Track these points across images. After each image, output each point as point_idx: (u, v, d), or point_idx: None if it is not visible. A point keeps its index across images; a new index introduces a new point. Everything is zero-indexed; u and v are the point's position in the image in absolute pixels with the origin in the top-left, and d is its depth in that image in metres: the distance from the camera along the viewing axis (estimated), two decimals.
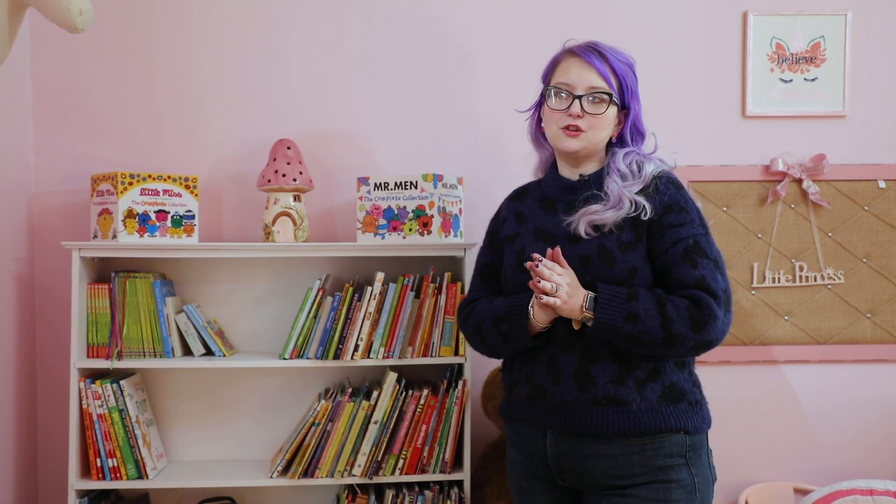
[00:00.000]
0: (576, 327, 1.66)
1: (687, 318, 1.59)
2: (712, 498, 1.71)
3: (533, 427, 1.73)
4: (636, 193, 1.70)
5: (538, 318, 1.68)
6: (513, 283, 1.78)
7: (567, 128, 1.72)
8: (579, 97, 1.71)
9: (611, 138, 1.79)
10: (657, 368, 1.66)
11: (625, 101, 1.75)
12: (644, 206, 1.68)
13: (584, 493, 1.73)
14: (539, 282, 1.62)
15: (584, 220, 1.69)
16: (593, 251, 1.67)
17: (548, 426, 1.70)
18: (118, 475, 2.29)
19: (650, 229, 1.67)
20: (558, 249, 1.67)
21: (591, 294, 1.62)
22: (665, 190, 1.71)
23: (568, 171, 1.81)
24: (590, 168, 1.79)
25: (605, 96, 1.71)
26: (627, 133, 1.79)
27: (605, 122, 1.73)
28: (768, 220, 2.64)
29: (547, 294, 1.62)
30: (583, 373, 1.66)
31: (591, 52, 1.73)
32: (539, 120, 1.85)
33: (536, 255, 1.66)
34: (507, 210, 1.90)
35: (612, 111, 1.74)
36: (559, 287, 1.62)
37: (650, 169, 1.73)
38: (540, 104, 1.83)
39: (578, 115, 1.71)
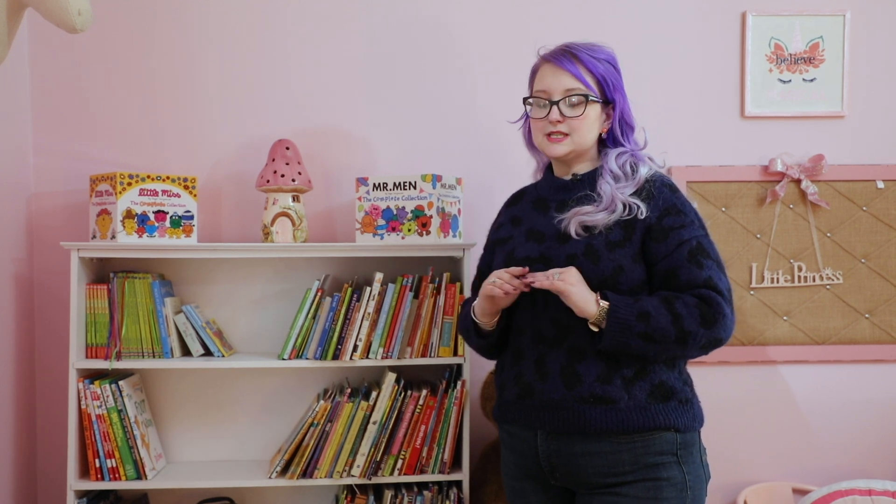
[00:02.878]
0: (593, 328, 1.64)
1: (697, 316, 1.60)
2: (705, 497, 1.70)
3: (524, 427, 1.73)
4: (630, 196, 1.70)
5: (479, 312, 1.77)
6: None
7: (550, 135, 1.74)
8: (556, 102, 1.72)
9: (601, 135, 1.79)
10: (645, 367, 1.65)
11: (607, 97, 1.75)
12: (639, 207, 1.68)
13: (576, 493, 1.73)
14: (533, 284, 1.65)
15: (575, 220, 1.70)
16: (580, 249, 1.68)
17: (538, 425, 1.70)
18: (117, 476, 2.29)
19: (649, 232, 1.67)
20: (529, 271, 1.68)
21: (598, 297, 1.63)
22: (659, 193, 1.71)
23: (562, 172, 1.83)
24: (583, 168, 1.80)
25: (581, 97, 1.72)
26: (617, 127, 1.78)
27: (587, 123, 1.74)
28: (767, 220, 2.64)
29: (552, 285, 1.62)
30: (569, 371, 1.66)
31: (562, 56, 1.74)
32: (530, 129, 1.87)
33: (518, 283, 1.68)
34: (505, 216, 1.92)
35: (593, 110, 1.74)
36: (552, 275, 1.63)
37: (644, 171, 1.73)
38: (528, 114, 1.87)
39: (558, 121, 1.72)
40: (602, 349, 1.63)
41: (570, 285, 1.61)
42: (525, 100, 1.80)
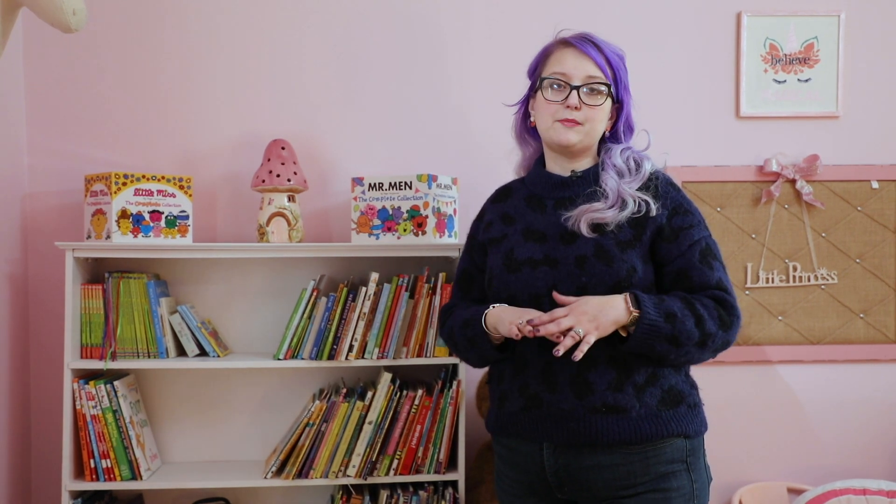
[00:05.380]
0: (623, 333, 1.56)
1: (717, 317, 1.57)
2: (708, 501, 1.67)
3: (528, 440, 1.66)
4: (637, 191, 1.65)
5: (491, 328, 1.65)
6: (499, 284, 1.68)
7: (564, 120, 1.66)
8: (576, 88, 1.65)
9: (603, 133, 1.73)
10: (656, 373, 1.61)
11: (618, 94, 1.70)
12: (649, 204, 1.63)
13: None
14: (559, 338, 1.52)
15: (585, 218, 1.63)
16: (589, 250, 1.61)
17: (544, 438, 1.62)
18: (112, 476, 2.28)
19: (660, 232, 1.63)
20: (556, 295, 1.58)
21: (628, 296, 1.55)
22: (666, 192, 1.66)
23: (558, 168, 1.74)
24: (583, 164, 1.73)
25: (603, 87, 1.66)
26: (621, 127, 1.74)
27: (602, 115, 1.67)
28: (762, 220, 2.65)
29: (575, 341, 1.50)
30: (580, 380, 1.59)
31: (586, 42, 1.67)
32: (524, 116, 1.79)
33: (526, 328, 1.53)
34: (492, 213, 1.81)
35: (609, 103, 1.68)
36: (576, 328, 1.50)
37: (648, 166, 1.68)
38: (527, 99, 1.78)
39: (576, 107, 1.64)
40: (626, 349, 1.57)
41: (595, 325, 1.51)
42: (541, 80, 1.70)
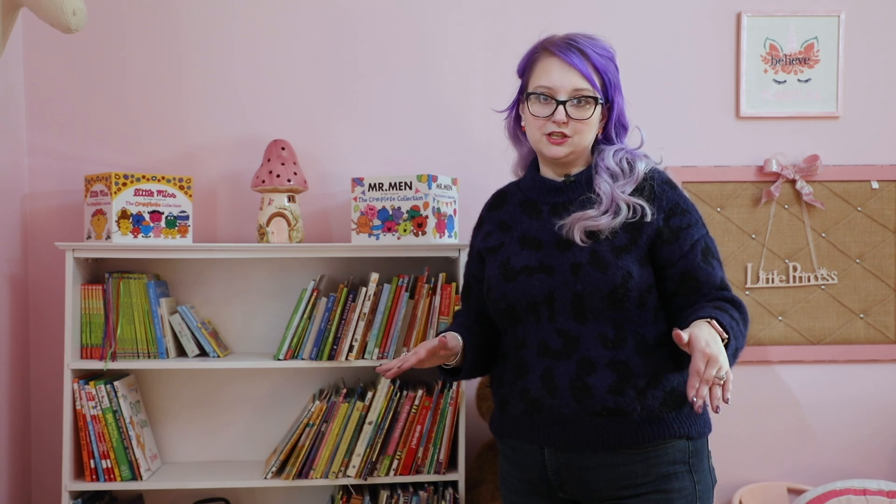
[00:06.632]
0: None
1: (741, 322, 1.55)
2: (712, 502, 1.66)
3: (530, 442, 1.66)
4: (630, 194, 1.62)
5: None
6: (497, 294, 1.67)
7: (551, 135, 1.63)
8: (563, 102, 1.61)
9: (596, 136, 1.70)
10: (658, 375, 1.60)
11: (608, 96, 1.66)
12: (644, 209, 1.61)
13: None
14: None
15: (578, 226, 1.61)
16: (585, 258, 1.60)
17: (546, 442, 1.62)
18: (112, 476, 2.28)
19: (658, 234, 1.61)
20: (678, 333, 1.41)
21: (714, 322, 1.47)
22: (661, 192, 1.64)
23: (551, 173, 1.71)
24: (576, 168, 1.70)
25: (591, 99, 1.62)
26: (612, 128, 1.70)
27: (590, 126, 1.64)
28: (762, 220, 2.65)
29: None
30: (580, 384, 1.58)
31: (570, 51, 1.62)
32: (517, 117, 1.76)
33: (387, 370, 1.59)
34: (490, 222, 1.79)
35: (598, 112, 1.64)
36: (723, 369, 1.40)
37: (642, 167, 1.65)
38: (518, 100, 1.75)
39: (563, 122, 1.61)
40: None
41: (719, 353, 1.39)
42: (527, 94, 1.66)
